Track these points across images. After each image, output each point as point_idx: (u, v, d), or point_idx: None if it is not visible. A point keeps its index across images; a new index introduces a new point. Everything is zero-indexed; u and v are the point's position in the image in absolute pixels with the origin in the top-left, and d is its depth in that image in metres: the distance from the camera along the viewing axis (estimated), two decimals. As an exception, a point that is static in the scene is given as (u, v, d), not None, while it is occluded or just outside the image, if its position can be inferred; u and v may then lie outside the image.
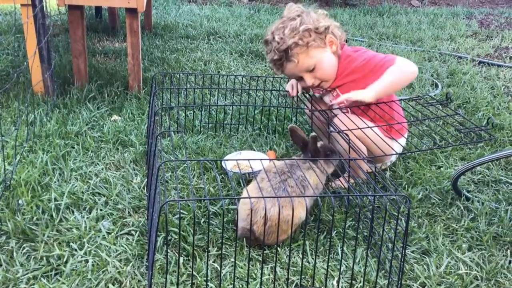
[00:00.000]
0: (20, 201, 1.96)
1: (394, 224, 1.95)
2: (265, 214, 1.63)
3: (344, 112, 2.18)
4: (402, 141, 2.34)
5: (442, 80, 3.78)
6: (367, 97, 2.07)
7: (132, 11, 2.99)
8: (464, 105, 3.26)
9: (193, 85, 3.39)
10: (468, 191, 2.24)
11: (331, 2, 7.12)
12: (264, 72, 3.82)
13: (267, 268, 1.72)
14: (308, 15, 2.21)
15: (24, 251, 1.72)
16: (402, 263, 1.58)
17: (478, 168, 2.44)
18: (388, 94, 2.20)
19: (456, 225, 2.00)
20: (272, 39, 2.22)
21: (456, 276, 1.71)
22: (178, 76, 3.30)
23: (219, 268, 1.68)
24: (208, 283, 1.60)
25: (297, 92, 2.42)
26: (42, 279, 1.60)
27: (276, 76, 2.48)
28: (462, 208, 2.11)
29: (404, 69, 2.13)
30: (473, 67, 4.13)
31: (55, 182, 2.12)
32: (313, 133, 1.93)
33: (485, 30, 5.64)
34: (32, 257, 1.70)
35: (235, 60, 4.08)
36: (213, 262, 1.73)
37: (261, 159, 1.82)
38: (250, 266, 1.71)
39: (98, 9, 5.11)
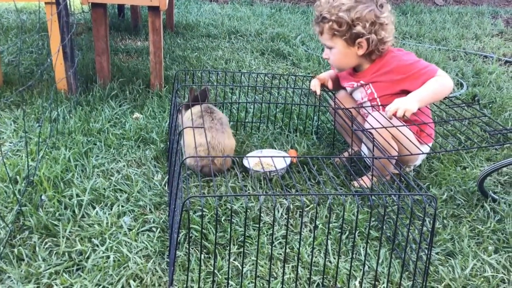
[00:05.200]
0: (43, 197, 1.97)
1: (418, 224, 1.91)
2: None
3: (370, 112, 2.15)
4: (430, 144, 2.29)
5: (467, 79, 3.70)
6: (414, 108, 1.99)
7: (154, 9, 2.99)
8: (490, 105, 3.19)
9: (214, 83, 3.39)
10: (495, 192, 2.19)
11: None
12: (285, 71, 3.80)
13: (289, 267, 1.70)
14: (369, 7, 2.15)
15: (47, 246, 1.73)
16: (427, 265, 1.55)
17: (505, 169, 2.39)
18: (427, 104, 2.15)
19: (482, 227, 1.95)
20: None
21: (482, 279, 1.67)
22: (199, 74, 3.30)
23: (240, 266, 1.66)
24: (229, 281, 1.59)
25: (320, 90, 2.39)
26: (64, 274, 1.61)
27: (297, 74, 2.46)
28: (488, 209, 2.06)
29: (445, 82, 2.07)
30: (499, 67, 4.04)
31: (77, 178, 2.13)
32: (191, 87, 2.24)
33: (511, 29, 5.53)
34: (54, 252, 1.70)
35: (256, 59, 4.06)
36: (234, 260, 1.71)
37: (283, 156, 1.80)
38: (272, 265, 1.69)
39: (121, 8, 5.15)
